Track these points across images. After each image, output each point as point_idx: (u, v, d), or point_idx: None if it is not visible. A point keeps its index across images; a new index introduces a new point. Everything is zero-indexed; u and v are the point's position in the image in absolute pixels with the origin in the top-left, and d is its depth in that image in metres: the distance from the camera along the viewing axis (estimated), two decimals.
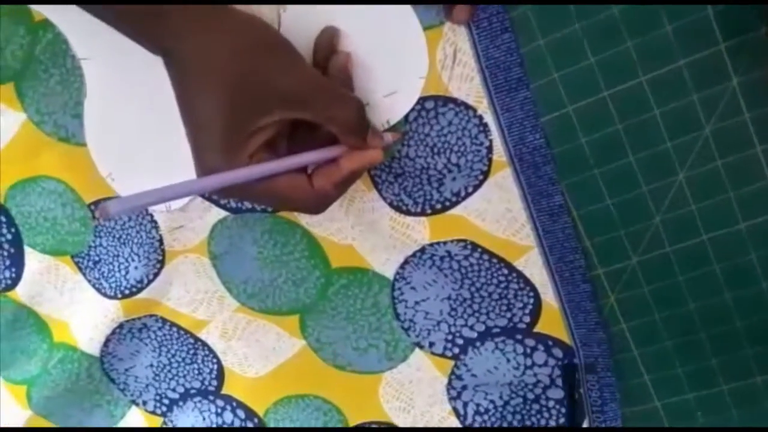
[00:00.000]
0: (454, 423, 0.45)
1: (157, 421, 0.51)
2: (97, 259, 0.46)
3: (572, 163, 0.37)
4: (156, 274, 0.45)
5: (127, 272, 0.46)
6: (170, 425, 0.51)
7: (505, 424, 0.44)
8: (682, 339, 0.39)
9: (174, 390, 0.50)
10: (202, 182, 0.31)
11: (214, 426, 0.50)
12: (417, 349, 0.44)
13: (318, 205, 0.35)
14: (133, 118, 0.41)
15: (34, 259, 0.47)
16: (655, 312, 0.39)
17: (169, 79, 0.32)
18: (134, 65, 0.39)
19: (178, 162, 0.38)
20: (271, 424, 0.48)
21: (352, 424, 0.47)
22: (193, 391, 0.49)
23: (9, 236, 0.47)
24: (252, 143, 0.32)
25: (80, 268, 0.47)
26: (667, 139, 0.36)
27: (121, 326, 0.48)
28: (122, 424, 0.51)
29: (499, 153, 0.37)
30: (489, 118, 0.37)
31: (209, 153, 0.32)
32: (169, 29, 0.31)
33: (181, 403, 0.50)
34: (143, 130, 0.41)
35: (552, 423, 0.43)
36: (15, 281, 0.48)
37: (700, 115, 0.35)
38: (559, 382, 0.42)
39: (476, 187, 0.39)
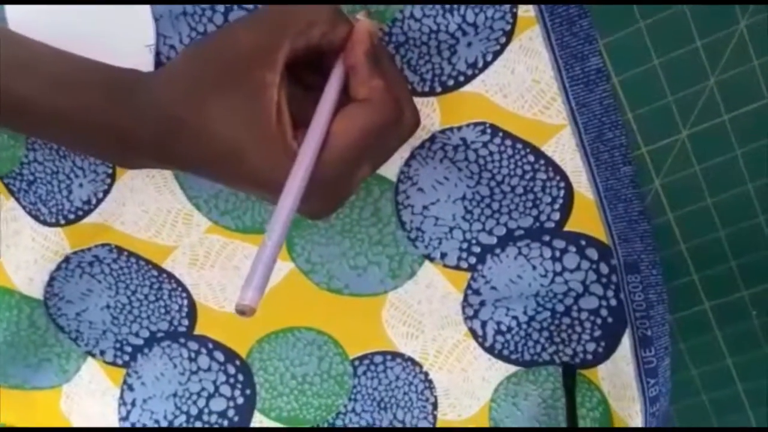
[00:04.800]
0: (472, 345, 0.39)
1: (118, 373, 0.43)
2: (31, 178, 0.38)
3: (614, 15, 0.31)
4: (106, 192, 0.37)
5: (69, 192, 0.37)
6: (134, 377, 0.43)
7: (530, 343, 0.38)
8: (738, 227, 0.34)
9: (137, 335, 0.42)
10: (288, 198, 0.25)
11: (188, 375, 0.42)
12: (426, 262, 0.37)
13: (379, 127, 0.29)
14: None
15: None
16: (707, 196, 0.34)
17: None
18: None
19: (120, 37, 0.31)
20: (256, 365, 0.41)
21: (351, 356, 0.40)
22: (160, 335, 0.42)
23: None
24: (284, 118, 0.27)
25: (12, 192, 0.39)
26: None
27: (67, 260, 0.40)
28: (77, 379, 0.43)
29: (526, 6, 0.31)
30: None
31: (257, 162, 0.27)
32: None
33: (146, 350, 0.42)
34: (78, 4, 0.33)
35: (585, 337, 0.38)
36: None
37: None
38: (593, 288, 0.36)
39: (497, 54, 0.32)
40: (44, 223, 0.38)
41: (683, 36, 0.31)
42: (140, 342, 0.42)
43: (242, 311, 0.22)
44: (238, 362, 0.42)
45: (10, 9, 0.34)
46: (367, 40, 0.28)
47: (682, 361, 0.37)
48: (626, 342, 0.37)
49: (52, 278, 0.40)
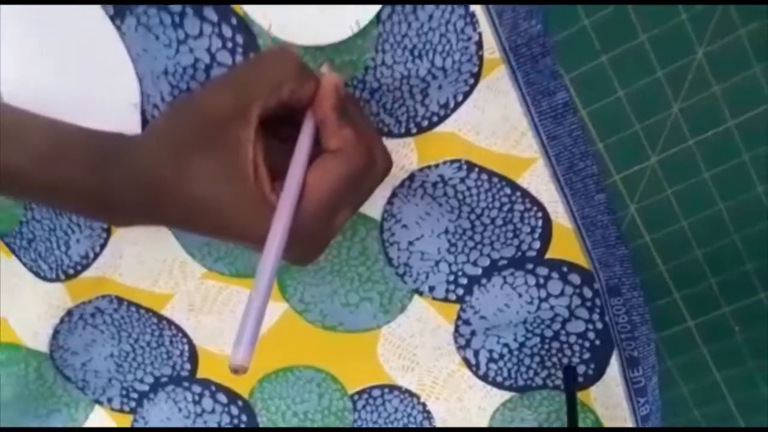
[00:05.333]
0: (466, 374, 0.40)
1: (126, 420, 0.44)
2: (30, 236, 0.39)
3: (576, 51, 0.32)
4: (103, 246, 0.39)
5: (67, 247, 0.39)
6: (141, 422, 0.44)
7: (522, 369, 0.39)
8: (714, 246, 0.35)
9: (142, 381, 0.43)
10: (269, 255, 0.26)
11: (193, 418, 0.44)
12: (416, 296, 0.38)
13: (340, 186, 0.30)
14: (54, 53, 0.34)
15: None
16: (681, 218, 0.35)
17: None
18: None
19: (107, 97, 0.33)
20: (258, 405, 0.42)
21: (350, 391, 0.41)
22: (164, 380, 0.43)
23: None
24: (260, 174, 0.28)
25: (12, 250, 0.40)
26: (682, 12, 0.31)
27: (69, 313, 0.41)
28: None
29: (491, 48, 0.32)
30: (476, 6, 0.31)
31: (239, 218, 0.28)
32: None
33: (151, 395, 0.43)
34: (66, 66, 0.35)
35: (575, 360, 0.38)
36: None
37: None
38: (579, 312, 0.37)
39: (466, 94, 0.33)
40: (45, 279, 0.40)
41: (645, 67, 0.32)
42: (145, 388, 0.43)
43: (235, 370, 0.23)
44: (240, 403, 0.43)
45: (2, 68, 0.35)
46: (333, 93, 0.29)
47: (671, 379, 0.38)
48: (614, 363, 0.37)
49: (56, 331, 0.42)
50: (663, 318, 0.37)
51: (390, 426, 0.41)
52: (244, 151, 0.28)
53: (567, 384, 0.38)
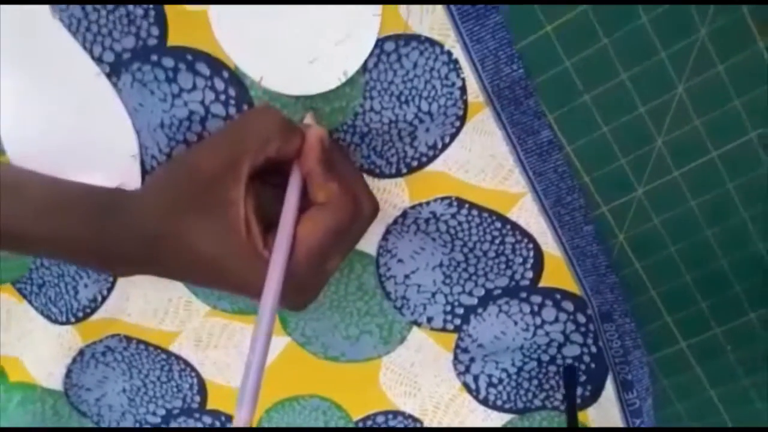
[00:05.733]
0: (467, 399, 0.41)
1: None
2: (41, 282, 0.41)
3: (558, 91, 0.33)
4: (110, 290, 0.40)
5: (76, 292, 0.40)
6: None
7: (521, 392, 0.40)
8: (703, 270, 0.36)
9: (154, 414, 0.45)
10: (266, 307, 0.28)
11: None
12: (414, 328, 0.40)
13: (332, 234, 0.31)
14: (54, 111, 0.36)
15: None
16: (669, 245, 0.35)
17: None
18: (45, 49, 0.34)
19: (107, 149, 0.35)
20: None
21: (355, 418, 0.42)
22: (175, 411, 0.44)
23: None
24: (252, 230, 0.29)
25: (24, 296, 0.41)
26: (661, 50, 0.31)
27: (81, 353, 0.43)
28: None
29: (475, 93, 0.33)
30: (459, 53, 0.32)
31: (234, 272, 0.30)
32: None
33: (164, 427, 0.45)
34: (67, 123, 0.36)
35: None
36: None
37: (695, 18, 0.31)
38: (574, 337, 0.38)
39: (453, 136, 0.34)
40: (56, 322, 0.41)
41: (627, 104, 0.33)
42: (158, 420, 0.45)
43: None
44: None
45: (5, 128, 0.37)
46: (317, 146, 0.31)
47: (667, 398, 0.39)
48: (609, 386, 0.38)
49: (69, 370, 0.43)
50: (656, 340, 0.38)
51: None
52: (235, 210, 0.29)
53: (567, 384, 0.39)
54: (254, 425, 0.44)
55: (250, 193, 0.29)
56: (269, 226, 0.30)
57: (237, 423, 0.24)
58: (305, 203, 0.31)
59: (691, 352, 0.38)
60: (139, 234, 0.30)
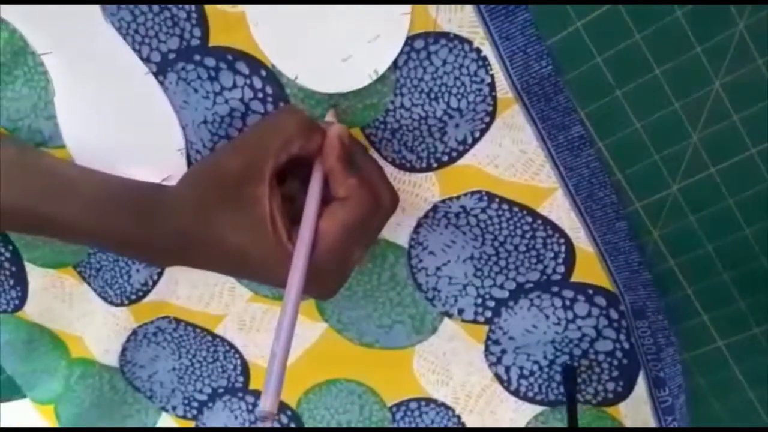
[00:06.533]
0: (498, 389, 0.41)
1: (189, 426, 0.49)
2: (98, 266, 0.44)
3: (590, 87, 0.32)
4: (160, 275, 0.43)
5: (129, 276, 0.43)
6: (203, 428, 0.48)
7: (553, 384, 0.40)
8: (740, 268, 0.35)
9: (201, 391, 0.47)
10: (290, 298, 0.29)
11: (247, 425, 0.47)
12: (446, 319, 0.40)
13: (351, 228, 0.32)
14: (108, 108, 0.38)
15: (36, 275, 0.45)
16: (706, 243, 0.35)
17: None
18: (98, 51, 0.36)
19: (156, 144, 0.38)
20: (305, 415, 0.46)
21: (389, 403, 0.44)
22: (221, 390, 0.47)
23: (7, 254, 0.45)
24: (277, 225, 0.31)
25: (84, 278, 0.45)
26: (696, 44, 0.31)
27: (134, 333, 0.46)
28: None
29: (504, 89, 0.33)
30: (487, 50, 0.32)
31: (261, 264, 0.31)
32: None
33: (210, 404, 0.48)
34: (119, 119, 0.38)
35: (605, 377, 0.39)
36: (22, 300, 0.46)
37: (732, 11, 0.30)
38: (606, 333, 0.38)
39: (483, 131, 0.34)
40: (112, 303, 0.44)
41: (661, 99, 0.32)
42: (204, 397, 0.47)
43: (264, 417, 0.26)
44: (289, 412, 0.46)
45: (65, 125, 0.39)
46: (338, 145, 0.32)
47: (703, 397, 0.38)
48: (641, 382, 0.38)
49: (124, 348, 0.46)
50: (692, 338, 0.37)
51: None
52: (261, 206, 0.30)
53: (567, 384, 0.39)
54: (293, 407, 0.46)
55: (274, 189, 0.31)
56: (295, 219, 0.32)
57: (262, 409, 0.26)
58: (328, 196, 0.32)
59: (729, 352, 0.37)
60: (173, 227, 0.32)
